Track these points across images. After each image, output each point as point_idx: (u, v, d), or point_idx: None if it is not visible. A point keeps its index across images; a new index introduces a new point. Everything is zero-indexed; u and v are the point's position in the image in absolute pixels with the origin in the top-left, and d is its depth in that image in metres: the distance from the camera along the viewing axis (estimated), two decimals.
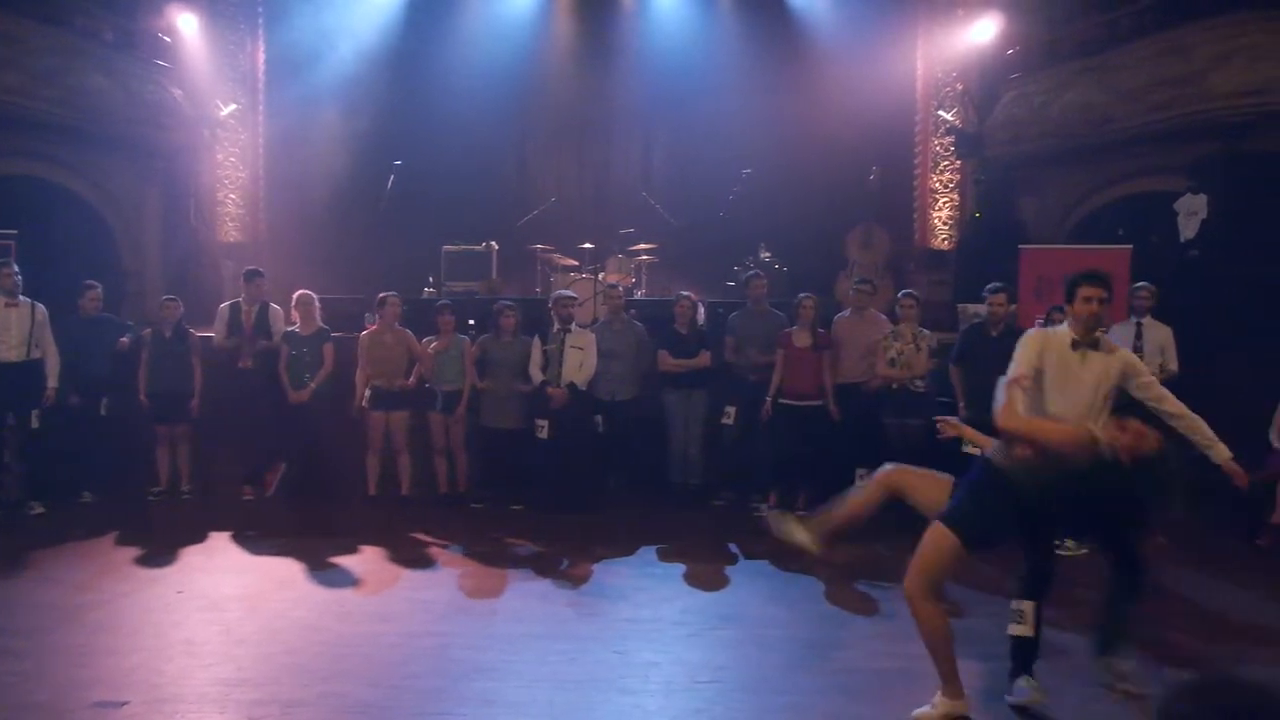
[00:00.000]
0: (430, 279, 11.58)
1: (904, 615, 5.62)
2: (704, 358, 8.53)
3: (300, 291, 8.70)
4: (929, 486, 4.52)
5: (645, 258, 11.96)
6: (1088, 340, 4.41)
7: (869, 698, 4.64)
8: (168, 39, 12.07)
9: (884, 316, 8.56)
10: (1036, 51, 12.30)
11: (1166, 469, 4.19)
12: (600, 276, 10.91)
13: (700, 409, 8.57)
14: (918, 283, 11.36)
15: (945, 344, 8.28)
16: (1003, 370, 4.44)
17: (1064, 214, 12.10)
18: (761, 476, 8.38)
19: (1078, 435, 4.20)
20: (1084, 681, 4.79)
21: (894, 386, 8.01)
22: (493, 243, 11.82)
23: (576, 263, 11.70)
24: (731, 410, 8.40)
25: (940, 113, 13.47)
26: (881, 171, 12.84)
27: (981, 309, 8.04)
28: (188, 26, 12.19)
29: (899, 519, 4.88)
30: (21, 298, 8.07)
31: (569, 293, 8.85)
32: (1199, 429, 4.43)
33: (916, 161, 13.79)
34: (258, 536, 7.36)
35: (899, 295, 8.47)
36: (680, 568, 6.73)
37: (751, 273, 9.07)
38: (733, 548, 7.28)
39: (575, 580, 6.47)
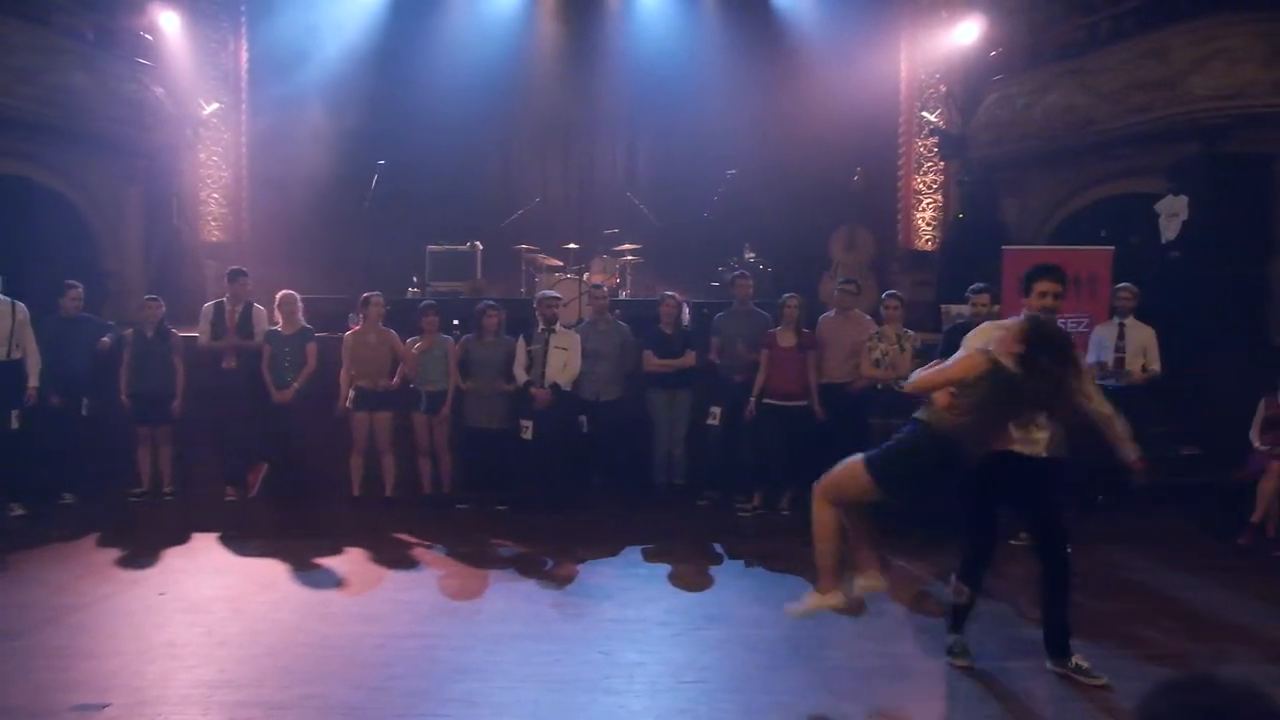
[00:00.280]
0: (415, 279, 11.55)
1: (890, 614, 5.68)
2: (689, 358, 8.54)
3: (283, 292, 8.67)
4: (849, 477, 4.61)
5: (630, 258, 11.97)
6: None
7: (854, 697, 4.64)
8: (149, 37, 12.00)
9: (869, 317, 8.59)
10: (1019, 54, 12.37)
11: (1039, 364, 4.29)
12: (585, 277, 10.91)
13: (685, 409, 8.58)
14: (901, 283, 11.40)
15: (929, 344, 8.31)
16: None
17: (1046, 215, 12.18)
18: (746, 476, 8.40)
19: (972, 359, 4.40)
20: (1057, 678, 4.83)
21: (879, 387, 8.03)
22: (477, 243, 11.80)
23: (561, 263, 11.70)
24: (716, 410, 8.41)
25: (924, 114, 13.54)
26: (865, 172, 12.89)
27: (965, 309, 8.06)
28: (169, 25, 12.13)
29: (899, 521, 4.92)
30: (2, 297, 8.01)
31: (553, 293, 8.84)
32: (1114, 428, 4.74)
33: (900, 163, 13.85)
34: (240, 538, 7.33)
35: (883, 296, 8.50)
36: (665, 568, 6.73)
37: (736, 273, 9.09)
38: (717, 548, 7.28)
39: (560, 581, 6.46)
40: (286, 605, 5.86)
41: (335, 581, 6.37)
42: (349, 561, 6.81)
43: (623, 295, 11.42)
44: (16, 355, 8.03)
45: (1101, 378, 8.30)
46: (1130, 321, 8.27)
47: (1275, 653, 5.27)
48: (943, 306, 10.28)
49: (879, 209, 13.61)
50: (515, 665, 4.93)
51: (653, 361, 8.52)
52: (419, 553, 7.10)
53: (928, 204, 13.71)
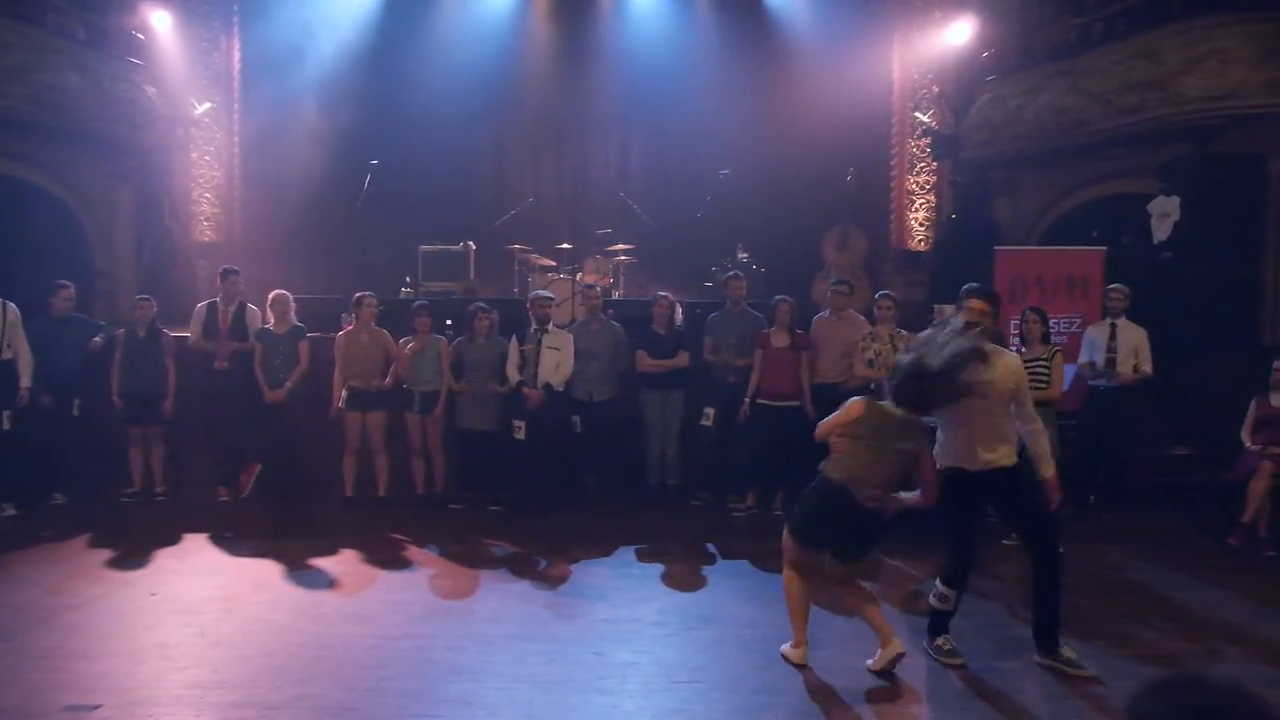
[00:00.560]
0: (407, 279, 11.53)
1: (883, 614, 5.67)
2: (682, 358, 8.54)
3: (276, 292, 8.65)
4: (788, 548, 5.03)
5: (623, 258, 11.96)
6: None
7: (847, 697, 4.65)
8: (141, 36, 11.98)
9: (862, 317, 8.60)
10: (1011, 54, 12.40)
11: None
12: (578, 277, 10.91)
13: (678, 409, 8.58)
14: (894, 284, 11.44)
15: None
16: None
17: (1038, 215, 12.21)
18: (739, 477, 8.40)
19: (851, 406, 4.85)
20: (1058, 675, 4.85)
21: (872, 387, 8.03)
22: (470, 243, 11.78)
23: (554, 263, 11.69)
24: (710, 411, 8.41)
25: (917, 115, 13.56)
26: (858, 173, 12.90)
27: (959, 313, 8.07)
28: (162, 24, 12.10)
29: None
30: None
31: (546, 293, 8.84)
32: (1038, 444, 5.04)
33: (893, 163, 13.87)
34: (233, 538, 7.31)
35: (876, 296, 8.51)
36: (658, 568, 6.73)
37: (730, 273, 9.09)
38: (711, 548, 7.28)
39: (553, 581, 6.46)
40: (279, 606, 5.85)
41: (328, 582, 6.36)
42: (342, 562, 6.80)
43: (616, 295, 11.41)
44: (8, 355, 8.01)
45: (1093, 378, 8.34)
46: (1122, 322, 8.29)
47: (1267, 652, 5.29)
48: (936, 307, 10.28)
49: (872, 209, 13.62)
50: (509, 666, 4.93)
51: (646, 362, 8.52)
52: (412, 553, 7.09)
53: (920, 204, 13.73)
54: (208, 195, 13.34)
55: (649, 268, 12.40)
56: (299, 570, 6.54)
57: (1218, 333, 9.35)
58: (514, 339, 8.37)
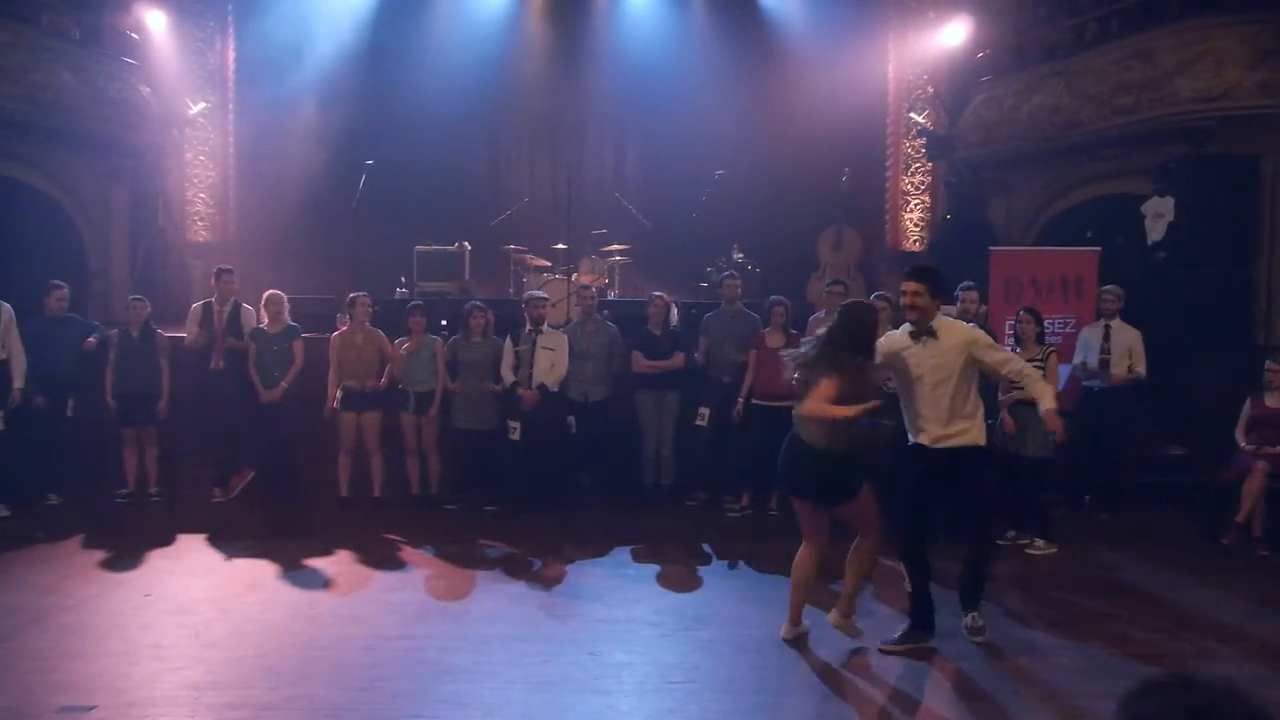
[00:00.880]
0: (402, 279, 11.53)
1: (878, 615, 5.69)
2: (677, 359, 8.53)
3: (270, 292, 8.63)
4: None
5: (618, 258, 11.96)
6: (924, 329, 5.12)
7: (842, 697, 4.65)
8: (136, 36, 11.96)
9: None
10: (1005, 55, 12.43)
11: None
12: (573, 277, 10.90)
13: (673, 410, 8.58)
14: (889, 284, 11.41)
15: None
16: None
17: (1033, 216, 12.23)
18: (734, 477, 8.40)
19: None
20: (1055, 674, 4.85)
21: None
22: (465, 243, 11.77)
23: (549, 263, 11.69)
24: (705, 411, 8.40)
25: (911, 115, 13.57)
26: (853, 173, 12.91)
27: (952, 309, 8.08)
28: (156, 24, 12.09)
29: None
30: None
31: (540, 293, 8.83)
32: (1031, 382, 5.23)
33: (888, 163, 13.88)
34: (227, 538, 7.29)
35: (872, 297, 8.48)
36: (653, 568, 6.73)
37: (724, 274, 9.08)
38: (706, 548, 7.28)
39: (548, 581, 6.45)
40: (274, 606, 5.84)
41: (323, 582, 6.35)
42: (337, 562, 6.79)
43: (611, 295, 11.41)
44: (1, 356, 7.98)
45: (1086, 379, 8.35)
46: (1116, 323, 8.30)
47: (1262, 651, 5.30)
48: None
49: (867, 209, 13.64)
50: (503, 666, 4.92)
51: (641, 363, 8.51)
52: (407, 553, 7.08)
53: (915, 204, 13.75)
54: (202, 195, 13.33)
55: (644, 268, 12.41)
56: (294, 571, 6.53)
57: (1212, 333, 9.37)
58: (508, 339, 8.36)
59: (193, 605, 5.81)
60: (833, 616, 5.22)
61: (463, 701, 4.50)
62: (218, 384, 8.54)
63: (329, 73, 13.08)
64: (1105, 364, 8.24)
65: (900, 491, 5.28)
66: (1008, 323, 8.07)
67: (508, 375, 8.26)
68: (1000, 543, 7.34)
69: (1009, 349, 7.65)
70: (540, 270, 11.55)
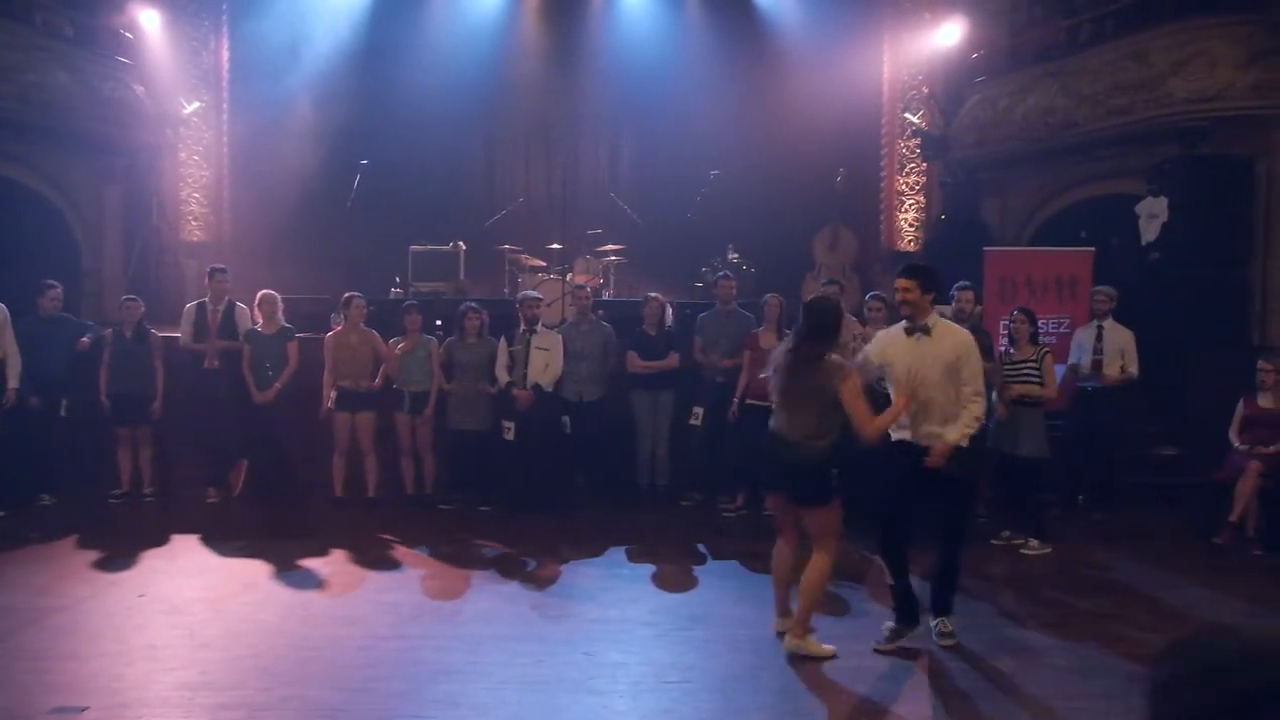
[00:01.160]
0: (397, 279, 11.50)
1: (872, 614, 5.70)
2: (672, 359, 8.54)
3: (263, 292, 8.61)
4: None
5: (613, 258, 11.97)
6: (919, 326, 5.21)
7: (838, 697, 4.66)
8: (130, 35, 11.93)
9: (853, 318, 8.60)
10: (1000, 56, 12.44)
11: None
12: (568, 277, 10.90)
13: (668, 410, 8.58)
14: (884, 284, 11.41)
15: None
16: None
17: (1027, 216, 12.25)
18: (729, 477, 8.40)
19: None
20: (1049, 674, 4.86)
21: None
22: (460, 243, 11.76)
23: (544, 263, 11.69)
24: (699, 411, 8.40)
25: (906, 115, 13.58)
26: (848, 173, 12.92)
27: (947, 309, 8.09)
28: (150, 23, 12.05)
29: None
30: None
31: (534, 293, 8.83)
32: (967, 417, 5.14)
33: (883, 163, 13.88)
34: (221, 539, 7.28)
35: (867, 297, 8.52)
36: (648, 568, 6.73)
37: (719, 274, 9.09)
38: (701, 548, 7.28)
39: (543, 581, 6.45)
40: (268, 607, 5.83)
41: (317, 583, 6.35)
42: (331, 562, 6.78)
43: (606, 295, 11.41)
44: None
45: (1080, 380, 8.37)
46: (1109, 324, 8.32)
47: None
48: None
49: (862, 209, 13.64)
50: (498, 666, 4.92)
51: (636, 363, 8.51)
52: (401, 554, 7.08)
53: (910, 205, 13.76)
54: (196, 195, 13.29)
55: (639, 268, 12.41)
56: (288, 571, 6.52)
57: (1206, 334, 9.38)
58: (503, 339, 8.36)
59: (187, 606, 5.80)
60: (788, 642, 5.07)
61: (457, 702, 4.50)
62: (212, 384, 8.52)
63: (324, 72, 13.06)
64: (1098, 364, 8.25)
65: (883, 487, 5.31)
66: (1002, 323, 8.08)
67: (502, 375, 8.25)
68: (995, 543, 7.36)
69: (1003, 349, 7.69)
70: (535, 270, 11.55)
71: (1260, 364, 7.89)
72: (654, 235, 12.49)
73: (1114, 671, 4.89)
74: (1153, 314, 9.18)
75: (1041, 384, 7.33)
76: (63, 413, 8.46)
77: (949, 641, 5.27)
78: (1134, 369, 8.18)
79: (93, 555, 6.84)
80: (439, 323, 9.29)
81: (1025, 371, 7.32)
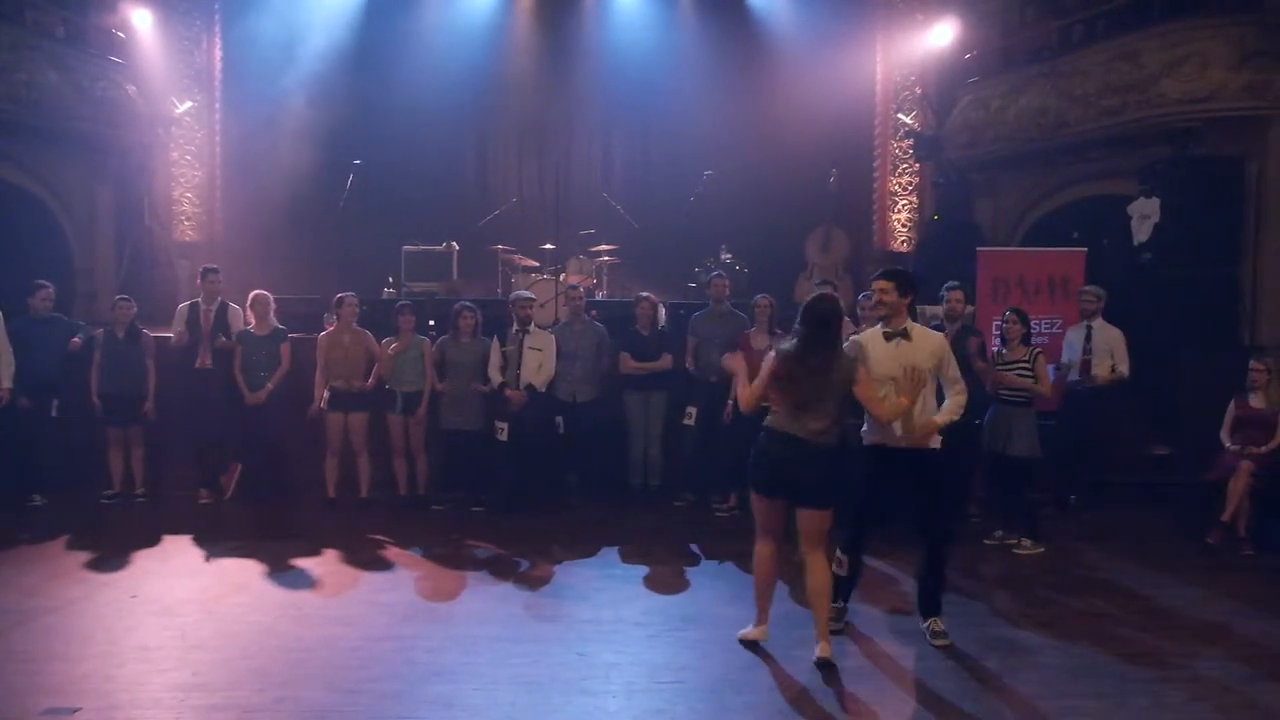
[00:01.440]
0: (390, 279, 11.49)
1: (865, 614, 5.70)
2: (665, 360, 8.53)
3: (256, 292, 8.60)
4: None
5: (606, 259, 11.96)
6: (897, 331, 5.28)
7: (832, 697, 4.66)
8: (121, 35, 11.90)
9: (846, 318, 8.60)
10: (992, 57, 12.47)
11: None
12: (561, 277, 10.90)
13: (661, 410, 8.57)
14: None
15: None
16: (963, 367, 5.05)
17: (1019, 217, 12.29)
18: (722, 477, 8.39)
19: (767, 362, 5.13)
20: (1041, 674, 4.87)
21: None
22: (453, 243, 11.74)
23: (537, 263, 11.68)
24: (693, 411, 8.40)
25: (899, 116, 13.61)
26: (841, 174, 12.94)
27: (938, 309, 8.12)
28: (142, 22, 12.03)
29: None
30: None
31: (527, 293, 8.82)
32: (954, 408, 5.33)
33: (875, 164, 13.91)
34: (213, 539, 7.26)
35: (859, 297, 8.52)
36: (641, 569, 6.73)
37: (713, 274, 9.09)
38: (694, 548, 7.28)
39: (536, 582, 6.45)
40: (260, 607, 5.82)
41: (310, 583, 6.33)
42: (324, 563, 6.77)
43: (599, 296, 11.41)
44: None
45: (1070, 380, 8.38)
46: (1098, 324, 8.33)
47: (1245, 650, 5.32)
48: (918, 307, 10.31)
49: (854, 210, 13.68)
50: (491, 667, 4.92)
51: (629, 364, 8.51)
52: (394, 554, 7.06)
53: (903, 205, 13.79)
54: (189, 195, 13.27)
55: (632, 268, 12.41)
56: (280, 572, 6.51)
57: (1197, 333, 9.42)
58: (494, 340, 8.35)
59: (179, 606, 5.79)
60: (824, 651, 4.99)
61: (450, 702, 4.50)
62: (204, 384, 8.50)
63: (316, 72, 13.05)
64: (1088, 364, 8.27)
65: (859, 487, 5.36)
66: (994, 323, 8.09)
67: (495, 376, 8.24)
68: (988, 542, 7.38)
69: (995, 349, 7.71)
70: (528, 270, 11.54)
71: (1252, 364, 7.92)
72: (647, 235, 12.50)
73: (1106, 671, 4.90)
74: (1144, 314, 9.21)
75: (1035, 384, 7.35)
76: (53, 413, 8.44)
77: (943, 641, 5.28)
78: (1125, 368, 8.20)
79: (84, 556, 6.82)
80: (432, 323, 9.27)
81: (1019, 373, 7.33)
